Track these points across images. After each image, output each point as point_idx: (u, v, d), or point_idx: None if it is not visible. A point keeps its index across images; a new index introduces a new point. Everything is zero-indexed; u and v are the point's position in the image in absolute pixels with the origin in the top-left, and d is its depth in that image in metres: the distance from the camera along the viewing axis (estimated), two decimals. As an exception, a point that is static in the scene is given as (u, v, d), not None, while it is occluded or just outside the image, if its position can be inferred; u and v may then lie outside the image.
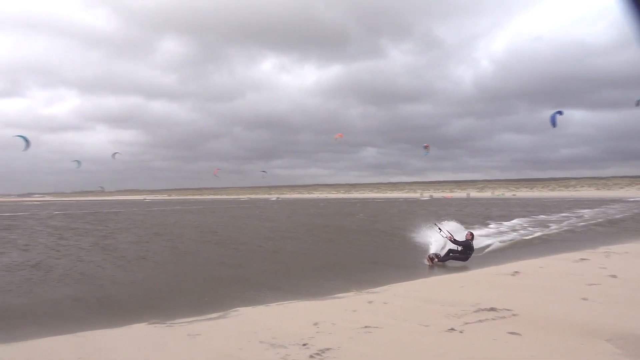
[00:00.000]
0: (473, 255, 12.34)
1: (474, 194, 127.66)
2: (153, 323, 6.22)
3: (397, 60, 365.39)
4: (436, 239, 13.48)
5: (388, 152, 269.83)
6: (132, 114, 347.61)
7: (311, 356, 4.46)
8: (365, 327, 5.47)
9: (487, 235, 18.01)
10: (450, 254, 12.22)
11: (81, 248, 15.51)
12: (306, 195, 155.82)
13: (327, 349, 4.63)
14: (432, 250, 13.04)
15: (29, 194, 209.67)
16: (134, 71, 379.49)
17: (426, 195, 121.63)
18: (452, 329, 5.18)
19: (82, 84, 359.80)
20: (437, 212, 36.09)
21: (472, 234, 12.71)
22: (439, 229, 13.01)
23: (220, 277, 10.46)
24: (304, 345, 4.81)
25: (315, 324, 5.68)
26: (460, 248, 12.15)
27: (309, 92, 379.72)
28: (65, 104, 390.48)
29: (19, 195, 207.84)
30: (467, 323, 5.44)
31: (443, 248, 12.78)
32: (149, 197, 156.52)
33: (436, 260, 12.32)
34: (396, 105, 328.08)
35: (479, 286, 8.14)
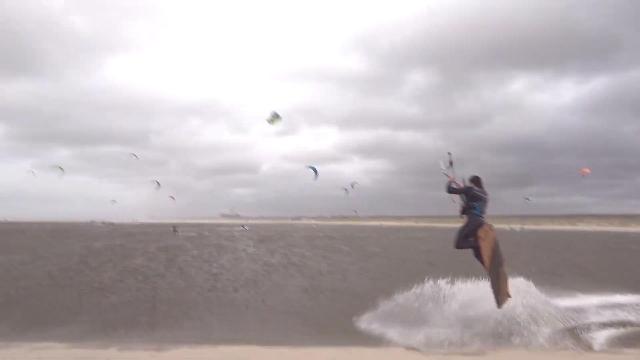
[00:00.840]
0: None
1: None
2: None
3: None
4: None
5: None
6: (381, 145, 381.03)
7: None
8: None
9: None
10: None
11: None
12: (567, 227, 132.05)
13: None
14: None
15: (299, 217, 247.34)
16: (383, 105, 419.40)
17: None
18: None
19: (341, 121, 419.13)
20: None
21: (477, 178, 7.85)
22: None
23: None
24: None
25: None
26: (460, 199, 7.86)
27: (567, 109, 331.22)
28: (327, 139, 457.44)
29: (292, 218, 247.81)
30: None
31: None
32: (384, 224, 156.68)
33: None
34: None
35: None
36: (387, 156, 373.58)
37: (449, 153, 8.15)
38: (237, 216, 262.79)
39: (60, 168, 46.82)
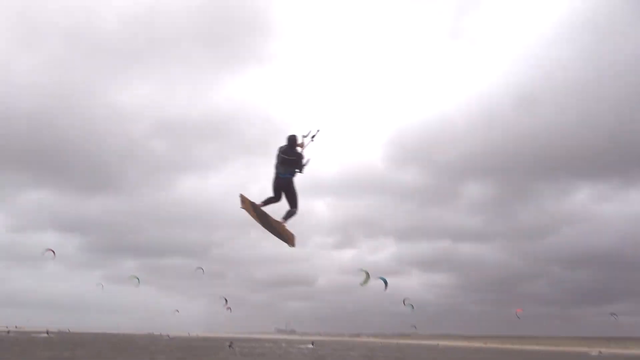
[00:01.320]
0: None
1: None
2: None
3: None
4: None
5: None
6: (441, 257, 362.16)
7: None
8: None
9: None
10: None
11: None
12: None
13: None
14: None
15: (357, 334, 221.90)
16: (441, 217, 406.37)
17: None
18: None
19: (398, 232, 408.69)
20: None
21: (291, 137, 8.27)
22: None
23: None
24: None
25: None
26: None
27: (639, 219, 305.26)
28: (385, 251, 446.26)
29: (350, 335, 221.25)
30: None
31: None
32: (445, 344, 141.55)
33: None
34: None
35: None
36: (449, 269, 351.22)
37: (318, 130, 8.47)
38: (293, 331, 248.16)
39: (137, 278, 49.06)
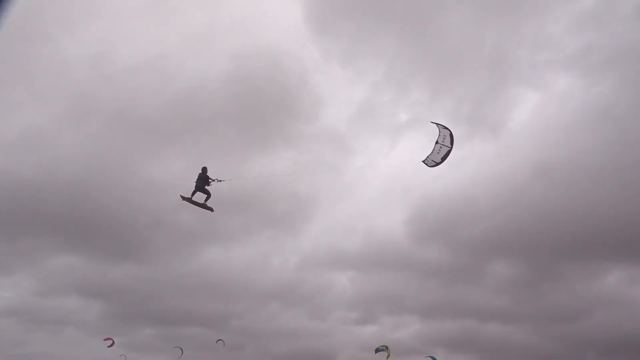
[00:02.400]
0: None
1: None
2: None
3: None
4: None
5: None
6: (467, 337, 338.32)
7: None
8: None
9: None
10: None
11: None
12: None
13: None
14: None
15: None
16: (467, 296, 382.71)
17: None
18: None
19: (422, 310, 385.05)
20: None
21: (204, 168, 18.05)
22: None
23: None
24: None
25: None
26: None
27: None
28: (409, 329, 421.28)
29: None
30: None
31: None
32: None
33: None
34: None
35: None
36: (475, 350, 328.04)
37: (220, 180, 17.52)
38: None
39: (180, 348, 48.17)
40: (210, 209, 17.64)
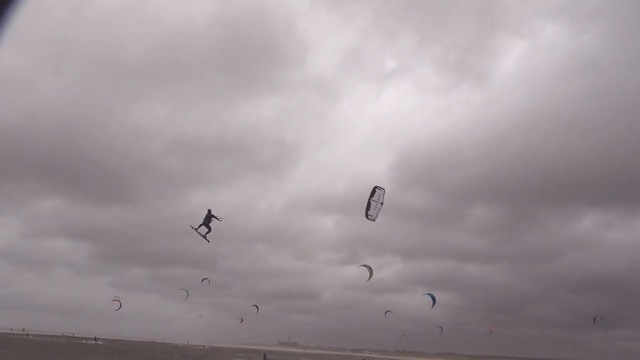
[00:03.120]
0: None
1: None
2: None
3: None
4: None
5: None
6: (447, 277, 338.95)
7: None
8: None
9: None
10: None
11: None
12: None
13: None
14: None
15: (360, 349, 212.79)
16: (447, 237, 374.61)
17: None
18: None
19: (404, 251, 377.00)
20: None
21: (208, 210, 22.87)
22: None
23: None
24: None
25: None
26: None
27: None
28: (390, 269, 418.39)
29: (352, 350, 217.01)
30: None
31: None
32: None
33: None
34: None
35: None
36: (454, 289, 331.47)
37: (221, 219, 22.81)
38: (295, 344, 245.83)
39: (186, 290, 49.17)
40: (208, 241, 22.57)
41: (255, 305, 48.83)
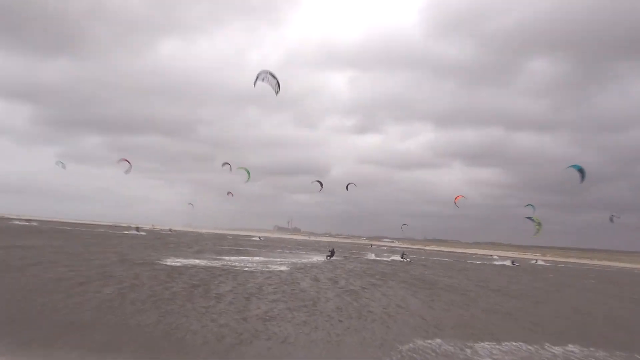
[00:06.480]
0: None
1: None
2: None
3: None
4: None
5: None
6: (491, 149, 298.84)
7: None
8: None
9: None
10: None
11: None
12: None
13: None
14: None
15: (378, 237, 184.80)
16: (493, 99, 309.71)
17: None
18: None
19: (437, 117, 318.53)
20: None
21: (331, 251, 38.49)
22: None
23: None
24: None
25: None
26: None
27: None
28: (419, 138, 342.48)
29: (367, 238, 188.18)
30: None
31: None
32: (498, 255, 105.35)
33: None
34: None
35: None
36: (500, 164, 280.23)
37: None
38: (297, 230, 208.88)
39: (62, 162, 45.75)
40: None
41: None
